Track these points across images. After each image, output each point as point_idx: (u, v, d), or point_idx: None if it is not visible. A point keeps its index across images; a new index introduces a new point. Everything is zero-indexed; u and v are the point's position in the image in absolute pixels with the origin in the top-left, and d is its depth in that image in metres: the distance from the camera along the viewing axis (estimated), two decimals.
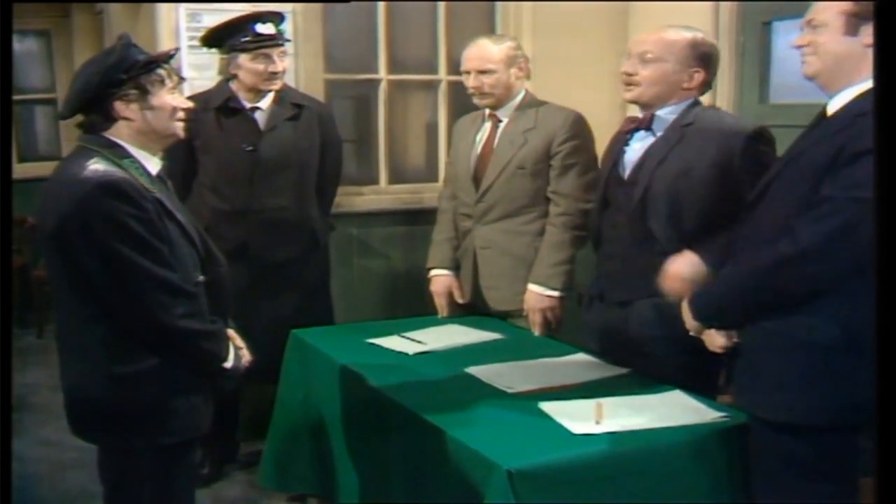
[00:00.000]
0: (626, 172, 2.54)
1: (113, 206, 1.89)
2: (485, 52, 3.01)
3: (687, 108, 2.49)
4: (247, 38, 3.17)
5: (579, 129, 2.99)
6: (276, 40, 3.23)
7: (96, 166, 1.93)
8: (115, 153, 1.98)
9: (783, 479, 1.97)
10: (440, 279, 3.21)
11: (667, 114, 2.49)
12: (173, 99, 2.05)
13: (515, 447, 1.91)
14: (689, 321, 2.14)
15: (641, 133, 2.54)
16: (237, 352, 2.18)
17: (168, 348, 1.99)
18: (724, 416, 2.08)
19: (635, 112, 2.62)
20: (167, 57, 2.08)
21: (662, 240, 2.44)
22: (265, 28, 3.20)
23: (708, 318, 2.11)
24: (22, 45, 6.65)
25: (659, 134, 2.49)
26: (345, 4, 4.11)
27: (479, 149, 3.11)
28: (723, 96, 4.12)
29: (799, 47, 2.01)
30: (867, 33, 1.90)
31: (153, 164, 2.06)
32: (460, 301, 3.19)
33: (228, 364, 2.11)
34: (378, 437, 2.36)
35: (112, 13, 5.26)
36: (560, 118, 3.00)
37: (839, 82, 1.96)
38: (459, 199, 3.18)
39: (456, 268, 3.20)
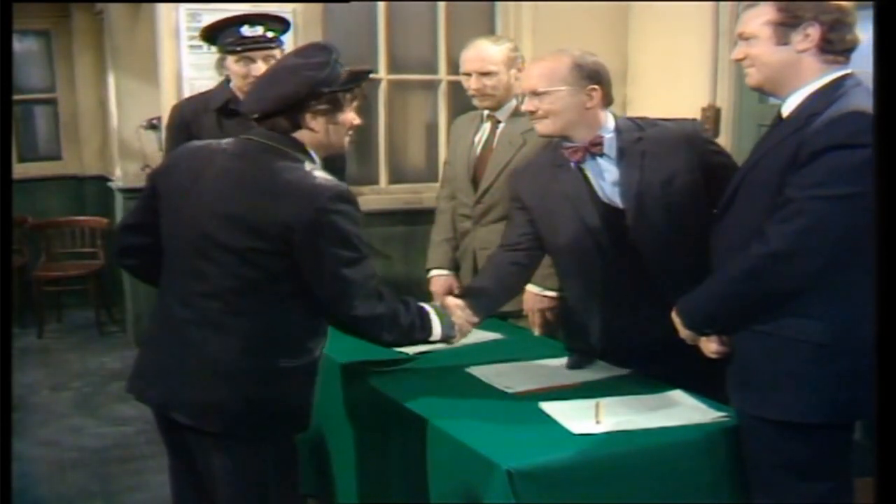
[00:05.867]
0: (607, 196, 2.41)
1: (348, 210, 1.94)
2: (486, 53, 3.01)
3: (617, 126, 2.40)
4: (232, 40, 3.15)
5: None
6: (260, 43, 3.19)
7: (321, 173, 1.96)
8: (310, 158, 2.01)
9: (778, 478, 1.97)
10: (440, 279, 3.21)
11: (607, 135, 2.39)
12: (352, 116, 2.07)
13: (515, 447, 1.91)
14: (681, 330, 2.14)
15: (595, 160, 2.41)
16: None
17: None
18: (725, 416, 2.08)
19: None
20: (366, 74, 2.10)
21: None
22: (251, 31, 3.15)
23: (696, 326, 2.10)
24: (22, 45, 6.66)
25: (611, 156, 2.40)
26: (345, 4, 4.12)
27: (477, 150, 3.11)
28: (723, 96, 4.13)
29: (738, 61, 2.02)
30: (798, 40, 1.92)
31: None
32: None
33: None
34: (377, 437, 2.36)
35: (112, 13, 5.27)
36: None
37: (786, 88, 1.97)
38: (458, 199, 3.17)
39: (455, 268, 3.20)
